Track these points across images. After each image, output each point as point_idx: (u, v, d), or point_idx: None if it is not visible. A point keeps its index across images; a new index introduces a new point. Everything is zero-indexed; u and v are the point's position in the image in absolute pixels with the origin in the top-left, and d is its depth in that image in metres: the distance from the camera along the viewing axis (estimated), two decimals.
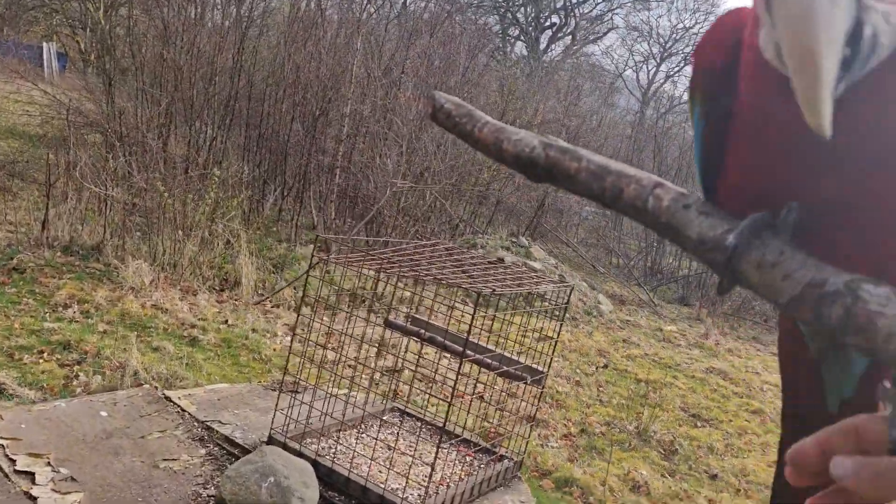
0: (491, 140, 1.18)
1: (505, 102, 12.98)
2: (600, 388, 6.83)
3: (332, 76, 10.03)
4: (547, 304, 3.62)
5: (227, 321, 6.19)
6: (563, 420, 5.78)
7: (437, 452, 2.84)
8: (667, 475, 5.22)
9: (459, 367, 2.90)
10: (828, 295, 0.74)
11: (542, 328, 4.20)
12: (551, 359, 3.35)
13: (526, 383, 3.24)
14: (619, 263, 15.03)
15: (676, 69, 38.55)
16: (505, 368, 3.14)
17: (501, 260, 9.57)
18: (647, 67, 39.18)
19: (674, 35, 38.10)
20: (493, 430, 4.33)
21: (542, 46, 30.44)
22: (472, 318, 2.75)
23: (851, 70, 0.72)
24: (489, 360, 3.15)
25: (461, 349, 3.04)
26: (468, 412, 3.78)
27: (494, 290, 2.84)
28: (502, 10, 29.68)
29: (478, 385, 4.18)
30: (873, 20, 0.73)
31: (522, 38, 30.95)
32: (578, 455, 5.21)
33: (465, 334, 2.96)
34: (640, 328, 10.01)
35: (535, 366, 3.26)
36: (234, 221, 8.16)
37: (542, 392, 3.51)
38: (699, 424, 6.48)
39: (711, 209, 0.93)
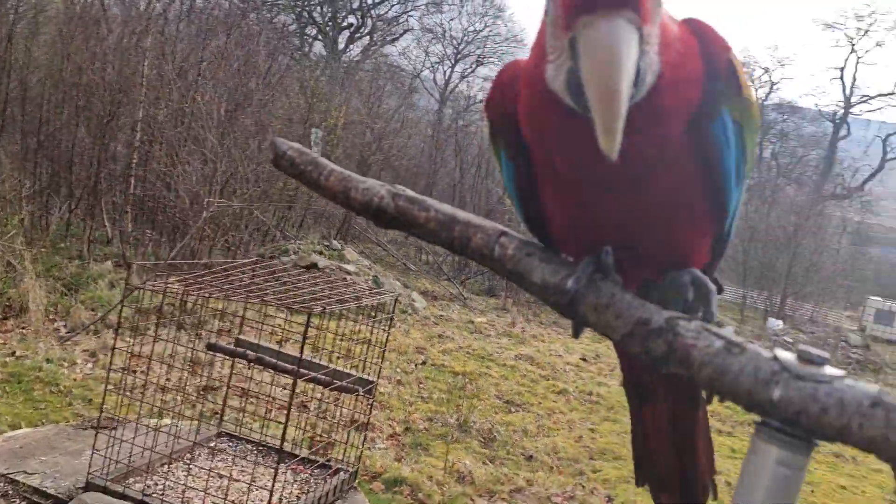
0: (339, 188, 1.23)
1: (309, 105, 12.86)
2: (421, 385, 7.06)
3: (121, 78, 9.35)
4: (374, 312, 3.70)
5: (13, 353, 5.61)
6: (388, 421, 5.92)
7: (275, 474, 2.83)
8: (488, 462, 5.54)
9: (293, 388, 2.91)
10: (653, 332, 0.91)
11: (364, 332, 4.28)
12: (380, 367, 3.45)
13: (359, 395, 3.31)
14: (428, 260, 15.51)
15: (470, 70, 40.28)
16: (338, 384, 3.19)
17: (315, 265, 9.52)
18: (443, 68, 40.55)
19: (465, 37, 39.75)
20: (322, 441, 4.35)
21: (341, 47, 30.42)
22: (304, 338, 2.77)
23: (631, 100, 0.89)
24: (323, 377, 3.18)
25: (294, 368, 3.05)
26: (297, 427, 3.77)
27: (325, 308, 2.89)
28: (298, 8, 29.21)
29: (306, 397, 4.17)
30: (646, 59, 0.91)
31: (321, 38, 30.69)
32: (405, 454, 5.37)
33: (299, 353, 2.97)
34: (453, 322, 10.44)
35: (365, 376, 3.34)
36: (15, 241, 7.37)
37: (372, 401, 3.60)
38: (513, 410, 6.93)
39: (551, 256, 1.07)
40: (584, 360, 9.63)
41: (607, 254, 1.06)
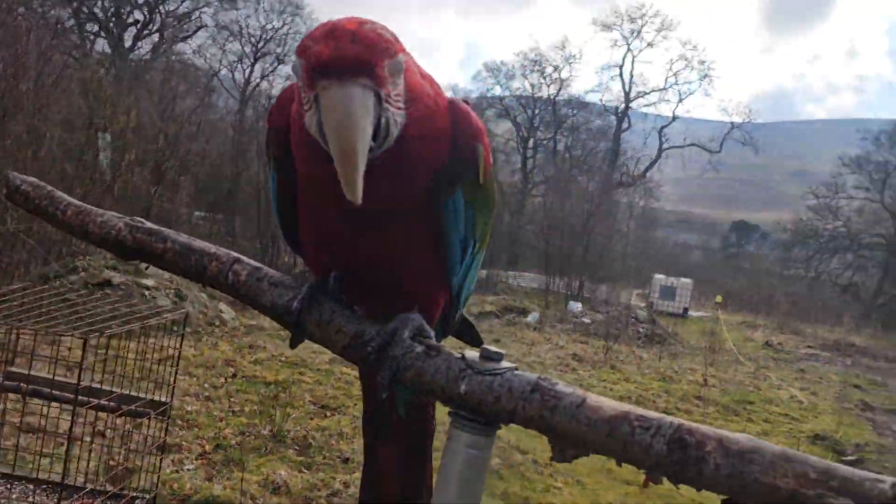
0: (76, 222, 1.22)
1: (90, 108, 11.91)
2: (231, 399, 6.85)
3: None
4: (175, 327, 3.55)
5: None
6: (197, 439, 5.69)
7: None
8: (304, 469, 5.51)
9: (73, 417, 2.72)
10: (366, 342, 1.03)
11: (162, 347, 4.08)
12: (173, 386, 3.33)
13: (150, 419, 3.16)
14: None
15: (271, 69, 39.31)
16: (126, 409, 3.03)
17: (109, 282, 8.88)
18: (243, 67, 39.22)
19: (264, 35, 38.73)
20: (118, 470, 4.10)
21: (129, 45, 28.39)
22: (80, 367, 2.60)
23: (374, 150, 1.00)
24: (108, 404, 3.00)
25: (72, 397, 2.85)
26: (89, 459, 3.53)
27: (103, 333, 2.73)
28: (74, 2, 26.84)
29: (97, 426, 3.90)
30: (389, 114, 1.02)
31: (104, 34, 28.43)
32: (216, 472, 5.20)
33: (77, 382, 2.78)
34: (264, 331, 10.20)
35: (155, 397, 3.20)
36: None
37: (168, 422, 3.46)
38: (329, 414, 6.93)
39: (280, 280, 1.17)
40: None
41: (334, 279, 1.16)
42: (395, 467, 1.42)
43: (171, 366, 3.36)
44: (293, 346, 1.17)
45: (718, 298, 25.46)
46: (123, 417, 3.25)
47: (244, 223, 16.61)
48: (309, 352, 9.28)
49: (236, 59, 38.60)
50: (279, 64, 38.99)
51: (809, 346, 19.47)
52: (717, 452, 0.86)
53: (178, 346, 3.37)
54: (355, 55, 0.96)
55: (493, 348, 0.88)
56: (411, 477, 1.43)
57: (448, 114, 1.15)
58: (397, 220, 1.13)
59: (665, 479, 0.86)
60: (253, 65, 38.90)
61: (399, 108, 1.04)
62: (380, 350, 1.00)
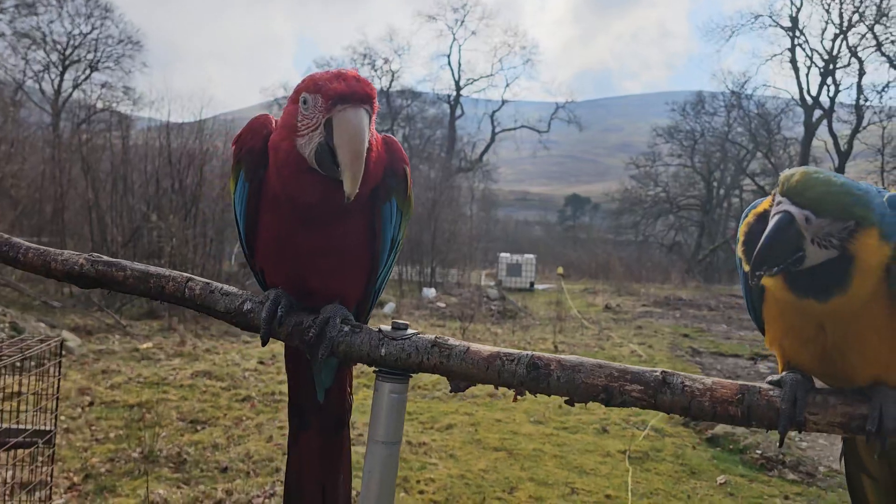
0: (38, 263, 1.38)
1: None
2: (92, 427, 6.61)
3: None
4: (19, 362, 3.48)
5: None
6: (62, 473, 5.49)
7: None
8: (182, 485, 5.48)
9: None
10: (305, 329, 1.28)
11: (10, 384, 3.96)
12: (56, 416, 3.30)
13: (38, 446, 3.13)
14: (72, 292, 14.10)
15: (84, 77, 36.73)
16: (13, 441, 2.98)
17: None
18: (50, 76, 36.34)
19: (72, 41, 36.11)
20: None
21: None
22: None
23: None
24: None
25: None
26: None
27: None
28: None
29: None
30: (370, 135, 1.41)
31: None
32: (90, 501, 5.07)
33: None
34: (116, 354, 9.78)
35: (45, 427, 3.17)
36: None
37: (53, 450, 3.42)
38: (199, 428, 6.87)
39: (228, 290, 1.40)
40: (261, 363, 9.80)
41: (277, 292, 1.48)
42: (317, 454, 1.68)
43: (51, 393, 3.32)
44: (264, 343, 1.46)
45: (560, 270, 27.15)
46: (9, 452, 3.18)
47: (78, 243, 15.59)
48: (168, 369, 9.06)
49: (42, 69, 35.71)
50: (92, 71, 36.48)
51: (644, 305, 21.35)
52: (558, 369, 1.28)
53: (56, 373, 3.34)
54: (362, 89, 1.39)
55: (401, 321, 1.19)
56: (330, 463, 1.71)
57: (383, 142, 1.58)
58: (345, 220, 1.46)
59: (527, 393, 1.24)
60: (62, 74, 36.11)
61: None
62: (319, 333, 1.29)
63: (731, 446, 7.16)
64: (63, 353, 9.35)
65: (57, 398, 3.36)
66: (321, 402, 1.67)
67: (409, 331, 1.23)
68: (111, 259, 1.36)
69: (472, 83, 45.06)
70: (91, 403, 7.33)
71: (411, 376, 1.25)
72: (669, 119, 43.22)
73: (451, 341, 1.30)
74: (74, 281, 1.31)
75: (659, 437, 7.39)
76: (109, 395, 7.65)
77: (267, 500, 5.24)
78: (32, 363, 3.40)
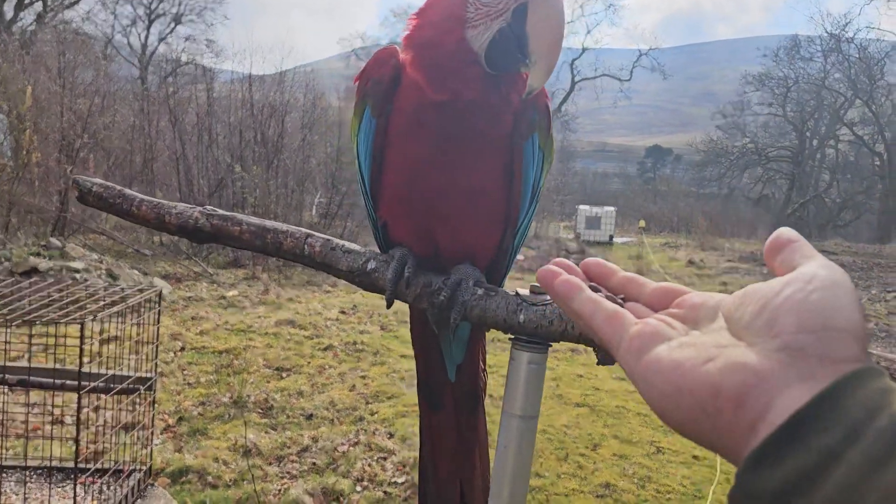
0: (152, 216, 1.30)
1: None
2: (185, 372, 6.84)
3: None
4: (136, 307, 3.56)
5: None
6: (159, 415, 5.70)
7: (75, 492, 2.70)
8: (270, 430, 5.62)
9: (79, 402, 2.79)
10: (434, 291, 1.16)
11: (116, 326, 4.07)
12: (156, 364, 3.38)
13: (141, 394, 3.22)
14: (163, 241, 14.62)
15: (169, 30, 37.53)
16: (119, 386, 3.07)
17: (36, 269, 8.58)
18: (137, 31, 37.30)
19: None
20: (98, 449, 4.12)
21: (10, 16, 26.51)
22: (81, 348, 2.65)
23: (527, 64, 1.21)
24: (105, 385, 3.04)
25: (75, 382, 2.89)
26: (62, 441, 3.55)
27: (96, 317, 2.76)
28: None
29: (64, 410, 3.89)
30: None
31: None
32: (184, 443, 5.26)
33: (77, 366, 2.83)
34: (204, 301, 10.10)
35: (147, 374, 3.26)
36: None
37: (154, 396, 3.53)
38: (284, 375, 7.02)
39: (351, 248, 1.28)
40: (343, 313, 9.93)
41: (403, 251, 1.31)
42: (452, 435, 1.55)
43: (150, 342, 3.40)
44: (389, 306, 1.33)
45: (641, 223, 26.42)
46: (114, 397, 3.28)
47: (167, 193, 16.10)
48: (253, 317, 9.29)
49: (129, 24, 36.66)
50: (176, 25, 37.24)
51: (729, 261, 20.57)
52: None
53: (156, 321, 3.41)
54: None
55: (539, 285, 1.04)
56: (465, 451, 1.57)
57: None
58: (484, 154, 1.28)
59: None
60: (148, 28, 37.03)
61: None
62: (450, 296, 1.16)
63: None
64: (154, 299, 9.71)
65: (157, 346, 3.42)
66: (453, 380, 1.54)
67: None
68: (226, 213, 1.26)
69: None
70: (182, 349, 7.58)
71: (551, 346, 1.11)
72: (760, 66, 40.94)
73: None
74: (189, 235, 1.23)
75: None
76: (199, 341, 7.90)
77: (351, 448, 5.31)
78: (131, 311, 3.47)
